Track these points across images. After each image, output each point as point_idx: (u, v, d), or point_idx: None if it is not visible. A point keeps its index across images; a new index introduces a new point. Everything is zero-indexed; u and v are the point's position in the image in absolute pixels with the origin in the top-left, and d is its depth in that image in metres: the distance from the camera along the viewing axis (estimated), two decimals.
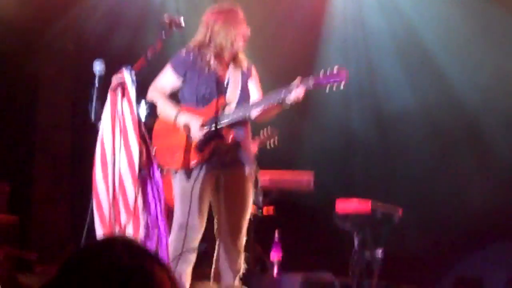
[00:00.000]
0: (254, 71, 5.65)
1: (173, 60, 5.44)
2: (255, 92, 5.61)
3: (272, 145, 7.49)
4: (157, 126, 5.38)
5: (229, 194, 5.42)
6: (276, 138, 7.51)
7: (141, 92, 4.91)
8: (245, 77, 5.56)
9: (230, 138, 5.28)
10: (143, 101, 4.74)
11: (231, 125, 5.33)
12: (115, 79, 4.66)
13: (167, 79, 5.42)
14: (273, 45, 9.32)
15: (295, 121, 9.13)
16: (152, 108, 4.85)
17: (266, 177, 7.89)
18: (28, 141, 9.68)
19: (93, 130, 4.74)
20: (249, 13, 8.90)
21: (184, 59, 5.42)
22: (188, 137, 5.25)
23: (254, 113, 5.46)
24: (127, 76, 4.64)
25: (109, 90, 4.66)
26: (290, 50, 9.34)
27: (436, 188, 9.05)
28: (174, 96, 5.52)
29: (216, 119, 5.25)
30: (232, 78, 5.49)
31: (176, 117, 5.26)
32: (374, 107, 9.44)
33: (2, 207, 8.53)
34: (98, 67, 4.68)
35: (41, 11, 9.28)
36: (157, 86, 5.40)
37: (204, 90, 5.37)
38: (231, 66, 5.51)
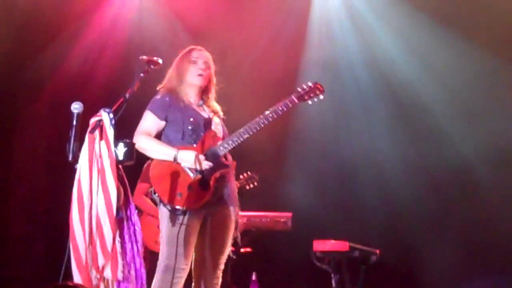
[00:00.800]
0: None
1: (151, 105, 5.54)
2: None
3: (251, 187, 7.58)
4: (155, 169, 5.43)
5: (213, 233, 5.49)
6: (255, 181, 7.61)
7: (119, 133, 4.90)
8: (218, 115, 5.73)
9: (232, 163, 5.50)
10: (120, 143, 4.71)
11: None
12: (93, 120, 4.65)
13: (151, 122, 5.49)
14: (258, 69, 9.39)
15: (274, 163, 9.16)
16: (129, 149, 4.82)
17: (244, 218, 7.90)
18: (3, 180, 9.61)
19: (70, 169, 4.71)
20: (235, 41, 9.09)
21: (161, 102, 5.52)
22: (189, 176, 5.32)
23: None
24: (105, 117, 4.63)
25: (88, 132, 4.65)
26: (274, 75, 9.38)
27: (414, 230, 9.06)
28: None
29: (214, 150, 5.44)
30: (211, 113, 5.66)
31: (176, 155, 5.32)
32: (349, 149, 9.48)
33: None
34: (77, 107, 4.66)
35: (21, 45, 9.29)
36: (143, 130, 5.46)
37: (190, 126, 5.45)
38: (207, 106, 5.68)
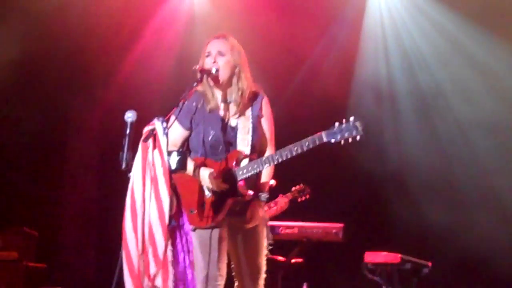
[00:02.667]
0: (264, 105, 5.43)
1: (177, 112, 5.13)
2: (266, 131, 5.41)
3: (303, 200, 7.52)
4: (177, 180, 5.10)
5: (242, 238, 5.32)
6: (308, 193, 7.54)
7: None
8: (255, 114, 5.34)
9: (247, 194, 5.17)
10: (174, 151, 4.71)
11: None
12: (146, 129, 4.65)
13: (176, 132, 5.26)
14: (303, 89, 9.36)
15: (325, 173, 9.12)
16: (182, 158, 4.82)
17: (295, 228, 7.89)
18: (56, 188, 9.71)
19: (122, 177, 4.72)
20: (281, 58, 9.06)
21: (187, 107, 5.25)
22: (205, 194, 5.16)
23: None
24: (158, 126, 4.63)
25: (141, 141, 4.65)
26: (322, 94, 9.35)
27: (467, 243, 8.96)
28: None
29: (231, 175, 5.16)
30: (241, 119, 5.30)
31: (195, 171, 5.15)
32: (402, 158, 9.41)
33: (30, 255, 8.54)
34: (130, 116, 4.67)
35: (74, 55, 9.39)
36: (169, 141, 5.12)
37: (212, 138, 5.23)
38: (235, 106, 5.30)
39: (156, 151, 4.63)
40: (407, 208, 9.32)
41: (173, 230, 4.61)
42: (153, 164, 4.60)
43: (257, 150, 5.29)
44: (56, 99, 9.49)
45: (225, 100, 5.31)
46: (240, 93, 5.28)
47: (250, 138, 5.25)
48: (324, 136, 4.95)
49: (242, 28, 9.05)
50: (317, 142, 4.97)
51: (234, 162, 5.17)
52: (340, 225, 8.08)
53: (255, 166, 5.13)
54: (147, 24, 9.85)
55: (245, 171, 5.15)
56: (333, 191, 9.29)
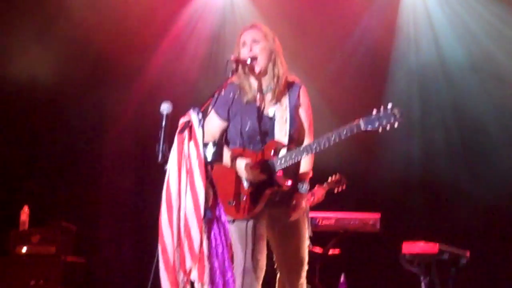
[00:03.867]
0: (302, 95, 5.37)
1: (214, 103, 5.14)
2: (305, 121, 5.36)
3: (339, 191, 7.47)
4: (216, 172, 5.03)
5: (283, 230, 5.28)
6: (344, 183, 7.49)
7: None
8: (293, 104, 5.29)
9: (285, 185, 5.14)
10: (209, 143, 4.69)
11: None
12: (182, 121, 4.63)
13: (213, 124, 5.25)
14: (338, 78, 9.32)
15: (362, 162, 9.08)
16: (218, 149, 4.80)
17: (332, 219, 7.87)
18: (94, 182, 9.75)
19: (158, 171, 4.71)
20: (314, 48, 9.02)
21: (225, 98, 5.22)
22: (243, 185, 5.14)
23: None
24: (194, 117, 4.60)
25: (177, 133, 4.64)
26: (356, 83, 9.30)
27: (507, 232, 8.89)
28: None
29: (268, 165, 5.14)
30: (278, 109, 5.27)
31: (233, 162, 5.14)
32: (442, 147, 9.34)
33: (69, 249, 8.58)
34: (166, 107, 4.66)
35: (108, 46, 9.43)
36: (207, 133, 5.07)
37: (249, 129, 5.20)
38: (272, 95, 5.27)
39: (192, 143, 4.60)
40: (444, 197, 9.26)
41: (210, 222, 4.58)
42: (189, 156, 4.58)
43: (295, 140, 5.25)
44: (91, 94, 9.53)
45: (261, 90, 5.27)
46: (276, 80, 5.25)
47: (287, 127, 5.21)
48: (362, 124, 4.90)
49: (275, 18, 9.06)
50: (355, 130, 4.93)
51: (272, 152, 5.15)
52: (377, 215, 8.06)
53: (293, 155, 5.10)
54: (180, 15, 9.87)
55: (283, 161, 5.12)
56: (370, 181, 9.24)
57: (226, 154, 5.16)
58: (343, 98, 9.07)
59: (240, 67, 5.17)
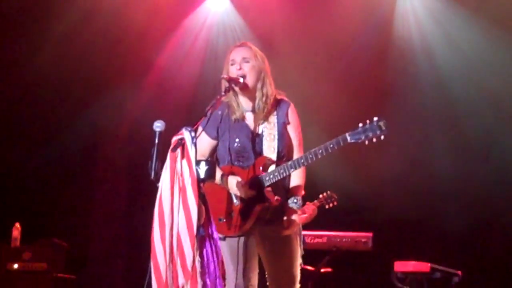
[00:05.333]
0: (291, 113, 5.37)
1: (204, 121, 5.10)
2: (293, 138, 5.35)
3: (330, 207, 7.46)
4: (206, 189, 5.03)
5: (274, 247, 5.25)
6: (335, 200, 7.49)
7: None
8: (281, 121, 5.29)
9: (275, 200, 5.11)
10: (202, 161, 4.70)
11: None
12: (175, 139, 4.65)
13: (203, 142, 5.24)
14: (337, 92, 9.34)
15: (353, 182, 9.09)
16: (210, 168, 4.81)
17: (324, 237, 7.87)
18: (86, 199, 9.75)
19: (151, 187, 4.72)
20: (314, 61, 9.04)
21: (213, 116, 5.20)
22: (233, 202, 5.15)
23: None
24: (187, 135, 4.62)
25: (169, 150, 4.65)
26: (355, 96, 9.32)
27: (494, 252, 8.91)
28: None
29: (258, 181, 5.13)
30: (266, 127, 5.28)
31: (222, 180, 5.15)
32: (431, 165, 9.36)
33: (60, 266, 8.56)
34: (159, 125, 4.67)
35: (103, 66, 9.45)
36: (198, 151, 5.04)
37: (238, 146, 5.22)
38: (260, 113, 5.27)
39: (185, 161, 4.61)
40: (436, 216, 9.27)
41: (202, 240, 4.59)
42: (182, 174, 4.59)
43: (283, 157, 5.25)
44: (84, 111, 9.54)
45: (250, 108, 5.30)
46: (264, 99, 5.26)
47: (276, 144, 5.22)
48: (348, 137, 4.90)
49: (269, 38, 9.09)
50: (342, 143, 4.93)
51: (261, 168, 5.15)
52: (369, 234, 8.06)
53: (281, 171, 5.10)
54: (173, 34, 9.90)
55: (271, 176, 5.12)
56: (362, 200, 9.25)
57: (218, 172, 5.17)
58: (335, 115, 9.08)
59: (232, 85, 5.19)
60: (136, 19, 9.47)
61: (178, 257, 4.54)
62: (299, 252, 5.35)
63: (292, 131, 5.37)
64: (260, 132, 5.28)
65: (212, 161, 5.07)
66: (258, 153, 5.23)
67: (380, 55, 9.59)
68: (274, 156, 5.19)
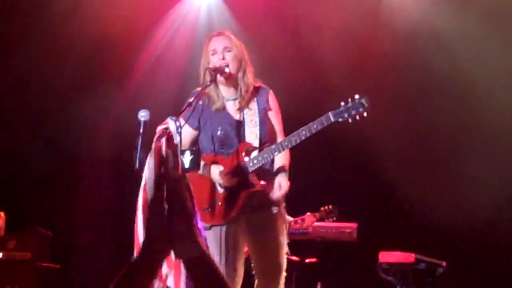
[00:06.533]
0: (271, 99, 5.41)
1: (184, 112, 5.12)
2: (275, 123, 5.39)
3: (329, 221, 7.49)
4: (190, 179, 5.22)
5: (261, 235, 5.26)
6: (335, 216, 7.51)
7: None
8: (262, 107, 5.34)
9: (260, 185, 5.15)
10: (187, 151, 4.69)
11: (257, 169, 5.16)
12: (159, 128, 4.64)
13: (185, 133, 5.13)
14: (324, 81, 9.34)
15: (339, 173, 9.10)
16: (195, 157, 4.80)
17: (310, 228, 7.88)
18: (70, 188, 9.73)
19: (136, 177, 4.71)
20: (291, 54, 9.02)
21: (195, 107, 5.22)
22: (217, 191, 5.16)
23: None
24: (172, 125, 4.61)
25: (154, 140, 4.64)
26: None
27: (482, 243, 8.92)
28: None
29: (241, 167, 5.15)
30: (247, 113, 5.31)
31: (205, 170, 5.18)
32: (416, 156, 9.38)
33: (45, 255, 8.55)
34: (143, 115, 4.66)
35: (89, 58, 9.43)
36: None
37: (220, 134, 5.24)
38: (240, 100, 5.32)
39: (170, 150, 4.60)
40: (421, 206, 9.29)
41: None
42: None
43: (266, 142, 5.27)
44: (70, 101, 9.52)
45: (231, 97, 5.33)
46: (245, 87, 5.29)
47: (258, 131, 5.24)
48: (331, 116, 4.95)
49: (253, 30, 9.08)
50: (325, 123, 4.96)
51: (244, 154, 5.16)
52: (354, 224, 8.07)
53: (265, 155, 5.12)
54: (159, 26, 9.90)
55: (255, 161, 5.14)
56: (347, 191, 9.27)
57: (201, 162, 5.17)
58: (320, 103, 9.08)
59: (218, 75, 5.18)
60: (121, 12, 9.46)
61: None
62: (285, 241, 5.36)
63: (274, 116, 5.40)
64: (241, 119, 5.29)
65: (197, 150, 5.07)
66: (241, 140, 5.24)
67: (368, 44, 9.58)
68: (256, 142, 5.22)
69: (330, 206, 7.66)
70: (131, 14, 9.56)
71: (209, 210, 5.13)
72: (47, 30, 9.27)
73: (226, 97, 5.34)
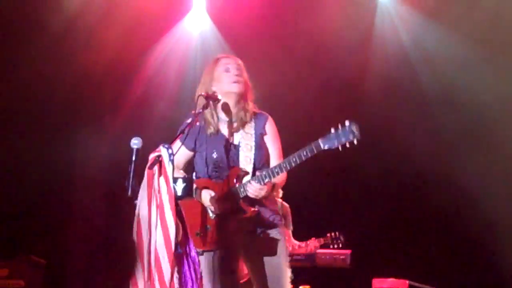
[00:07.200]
0: (269, 125, 5.34)
1: (184, 137, 5.13)
2: (272, 149, 5.30)
3: (335, 248, 7.48)
4: (182, 204, 5.13)
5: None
6: (341, 243, 7.49)
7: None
8: (258, 133, 5.27)
9: (251, 211, 5.05)
10: (179, 178, 4.69)
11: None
12: (152, 156, 4.64)
13: (180, 154, 5.18)
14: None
15: (333, 199, 9.11)
16: (188, 185, 4.80)
17: (304, 255, 7.87)
18: (64, 216, 9.70)
19: (129, 204, 4.71)
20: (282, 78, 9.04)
21: (192, 128, 5.17)
22: (209, 216, 5.08)
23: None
24: (164, 152, 4.62)
25: (147, 168, 4.64)
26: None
27: (474, 271, 8.94)
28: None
29: (232, 193, 5.06)
30: (243, 138, 5.24)
31: (196, 194, 5.10)
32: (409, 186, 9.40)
33: (37, 283, 8.52)
34: (136, 142, 4.67)
35: (82, 83, 9.44)
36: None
37: (215, 157, 5.16)
38: (238, 124, 5.24)
39: (162, 178, 4.62)
40: (414, 234, 9.29)
41: (180, 257, 4.60)
42: (159, 191, 4.59)
43: (261, 168, 5.19)
44: (63, 127, 9.52)
45: (227, 119, 5.26)
46: (244, 112, 5.25)
47: (252, 155, 5.18)
48: (321, 143, 4.83)
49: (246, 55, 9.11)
50: (315, 151, 4.85)
51: (235, 180, 5.10)
52: (348, 251, 8.07)
53: (256, 181, 5.02)
54: (151, 52, 9.91)
55: (247, 188, 5.04)
56: (341, 217, 9.26)
57: (194, 185, 5.15)
58: (312, 118, 9.11)
59: (210, 102, 5.18)
60: (114, 37, 9.47)
61: (156, 274, 4.53)
62: (287, 263, 5.22)
63: (270, 141, 5.32)
64: (236, 143, 5.24)
65: (189, 178, 5.05)
66: (235, 164, 5.17)
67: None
68: (250, 167, 5.15)
69: (337, 233, 7.65)
70: (124, 39, 9.57)
71: (201, 235, 5.08)
72: (39, 55, 9.26)
73: (223, 118, 5.28)
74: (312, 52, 9.55)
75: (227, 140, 5.24)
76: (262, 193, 5.03)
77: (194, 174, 5.29)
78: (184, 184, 4.71)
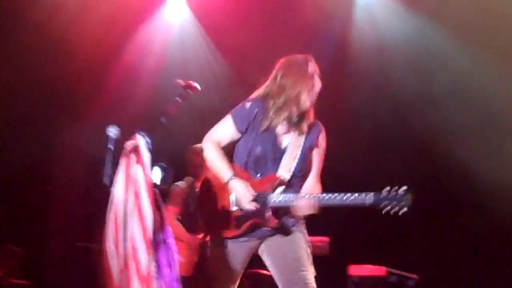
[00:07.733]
0: (321, 139, 5.15)
1: (236, 111, 5.03)
2: (315, 164, 5.14)
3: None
4: (204, 185, 5.13)
5: (280, 258, 5.07)
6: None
7: (155, 157, 4.86)
8: (308, 145, 5.07)
9: (273, 223, 4.92)
10: (156, 167, 4.68)
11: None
12: (128, 144, 4.63)
13: (227, 131, 5.04)
14: None
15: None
16: (165, 174, 4.77)
17: None
18: (41, 205, 9.68)
19: (106, 192, 4.70)
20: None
21: (247, 112, 5.01)
22: (230, 205, 4.98)
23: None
24: (141, 141, 4.62)
25: (122, 155, 4.63)
26: None
27: (451, 257, 8.98)
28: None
29: (264, 198, 4.91)
30: (292, 144, 5.05)
31: (229, 181, 4.92)
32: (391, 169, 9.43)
33: (15, 272, 8.51)
34: (113, 131, 4.66)
35: (59, 72, 9.41)
36: (214, 136, 5.02)
37: (259, 152, 4.97)
38: (294, 129, 5.05)
39: (139, 166, 4.61)
40: (392, 221, 9.31)
41: (156, 245, 4.59)
42: (136, 179, 4.59)
43: (298, 179, 5.06)
44: (40, 116, 9.49)
45: (287, 120, 5.04)
46: (304, 122, 5.06)
47: (294, 164, 5.01)
48: (367, 200, 4.78)
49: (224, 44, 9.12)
50: (359, 203, 4.82)
51: (270, 186, 4.95)
52: (326, 238, 8.07)
53: (287, 199, 4.89)
54: (130, 40, 9.89)
55: (276, 200, 4.92)
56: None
57: (221, 169, 4.98)
58: None
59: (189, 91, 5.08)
60: (91, 26, 9.44)
61: (133, 262, 4.52)
62: (310, 261, 5.18)
63: (317, 156, 5.15)
64: (284, 146, 5.07)
65: (169, 168, 5.01)
66: (275, 166, 5.01)
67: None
68: (288, 176, 4.99)
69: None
70: (102, 29, 9.54)
71: (219, 221, 5.02)
72: (17, 46, 9.23)
73: (282, 119, 5.02)
74: (292, 43, 9.54)
75: (277, 141, 5.06)
76: (310, 212, 4.96)
77: (233, 156, 5.13)
78: (163, 174, 4.70)
